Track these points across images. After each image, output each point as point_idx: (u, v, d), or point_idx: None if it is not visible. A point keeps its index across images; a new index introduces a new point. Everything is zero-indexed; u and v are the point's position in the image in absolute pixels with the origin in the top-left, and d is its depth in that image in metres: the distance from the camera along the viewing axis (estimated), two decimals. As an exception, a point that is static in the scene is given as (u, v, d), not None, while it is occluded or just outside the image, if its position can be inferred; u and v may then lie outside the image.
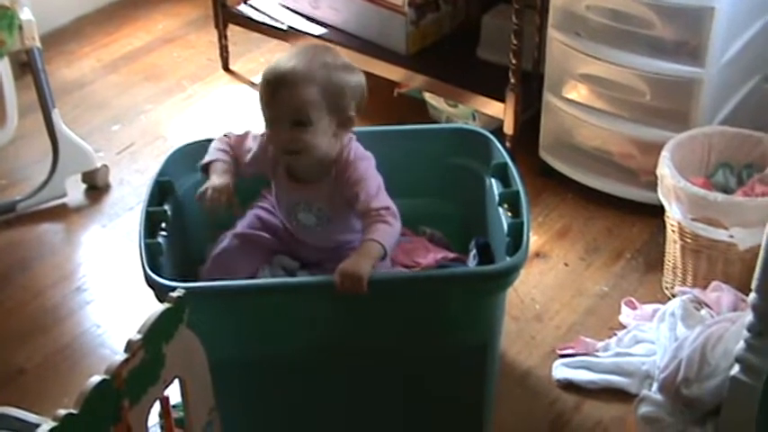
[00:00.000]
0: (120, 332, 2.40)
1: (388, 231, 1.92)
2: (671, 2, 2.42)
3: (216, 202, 2.00)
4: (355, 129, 2.03)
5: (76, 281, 2.58)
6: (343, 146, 2.01)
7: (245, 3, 3.32)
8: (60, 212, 2.81)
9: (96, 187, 2.88)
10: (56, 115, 2.75)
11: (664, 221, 2.44)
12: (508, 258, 1.93)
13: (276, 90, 1.91)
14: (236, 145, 2.11)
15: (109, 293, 2.53)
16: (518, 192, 2.07)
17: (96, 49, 3.55)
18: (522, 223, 1.98)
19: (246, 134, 2.11)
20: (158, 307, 1.53)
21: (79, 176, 2.87)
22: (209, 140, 2.26)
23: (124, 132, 3.12)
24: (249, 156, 2.08)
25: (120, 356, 1.44)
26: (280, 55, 2.00)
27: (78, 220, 2.79)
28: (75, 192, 2.86)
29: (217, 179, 2.03)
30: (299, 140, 1.94)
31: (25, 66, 2.84)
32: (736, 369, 1.90)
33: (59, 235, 2.75)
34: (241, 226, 2.14)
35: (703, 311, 2.29)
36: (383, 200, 1.98)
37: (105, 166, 2.89)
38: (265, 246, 2.13)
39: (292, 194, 2.07)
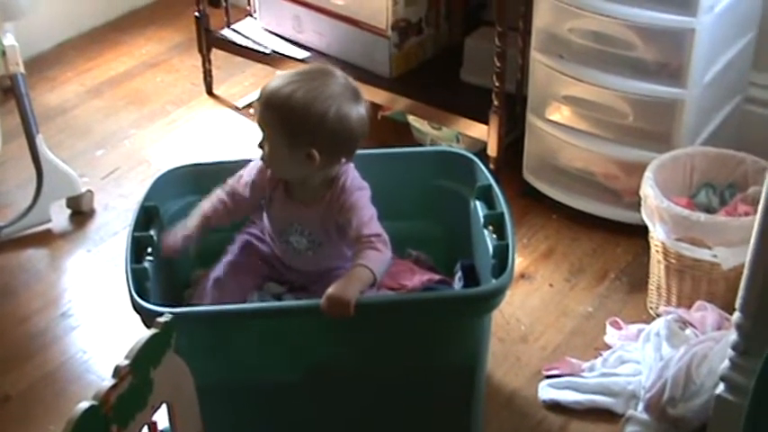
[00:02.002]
0: (107, 358, 2.39)
1: (379, 258, 1.94)
2: (652, 23, 2.44)
3: (168, 252, 2.08)
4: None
5: (62, 306, 2.57)
6: (340, 172, 2.03)
7: (229, 27, 3.32)
8: (45, 238, 2.79)
9: (81, 212, 2.87)
10: (39, 141, 2.74)
11: (648, 242, 2.45)
12: (494, 280, 1.94)
13: (257, 104, 2.03)
14: (234, 185, 2.13)
15: (94, 319, 2.52)
16: (503, 213, 2.07)
17: (79, 74, 3.55)
18: (506, 245, 1.99)
19: (247, 165, 2.14)
20: (145, 332, 1.53)
21: (64, 202, 2.85)
22: (195, 165, 2.28)
23: (108, 157, 3.12)
24: (248, 188, 2.11)
25: (108, 382, 1.44)
26: (264, 80, 2.03)
27: (63, 246, 2.78)
28: (59, 217, 2.85)
29: (180, 230, 2.10)
30: (263, 151, 2.01)
31: (8, 91, 2.84)
32: (720, 388, 1.91)
33: (44, 261, 2.74)
34: (231, 253, 2.16)
35: (688, 331, 2.30)
36: (375, 228, 1.99)
37: (90, 191, 2.88)
38: (255, 272, 2.14)
39: (287, 213, 2.09)
